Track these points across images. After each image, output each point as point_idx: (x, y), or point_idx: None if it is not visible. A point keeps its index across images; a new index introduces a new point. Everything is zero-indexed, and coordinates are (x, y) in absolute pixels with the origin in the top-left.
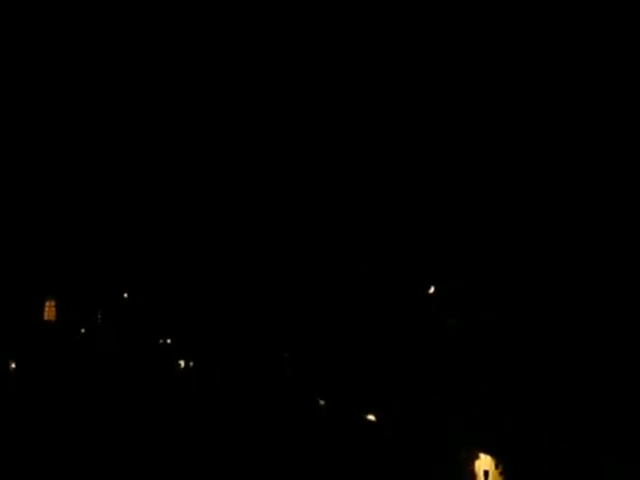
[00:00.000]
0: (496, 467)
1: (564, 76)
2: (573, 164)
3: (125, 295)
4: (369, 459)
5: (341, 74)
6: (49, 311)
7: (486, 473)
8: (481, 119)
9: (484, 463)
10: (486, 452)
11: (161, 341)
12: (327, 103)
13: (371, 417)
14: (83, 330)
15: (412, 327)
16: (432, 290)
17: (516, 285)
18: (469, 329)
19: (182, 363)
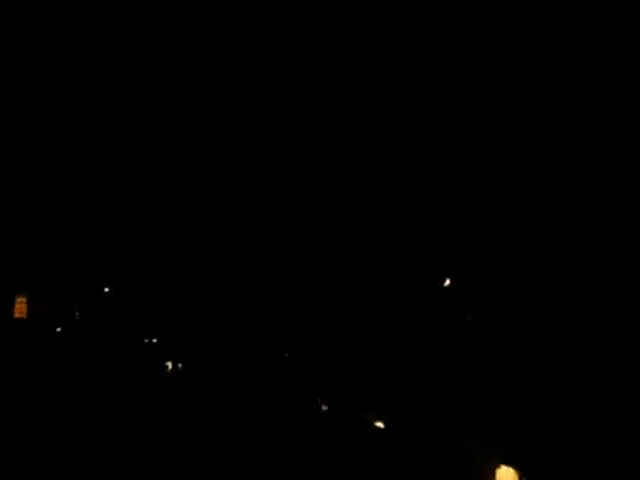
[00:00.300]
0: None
1: (564, 76)
2: (586, 158)
3: (106, 290)
4: (376, 469)
5: (341, 74)
6: (19, 308)
7: None
8: (486, 116)
9: (505, 476)
10: (508, 464)
11: (146, 340)
12: (327, 103)
13: (379, 424)
14: (59, 329)
15: (421, 324)
16: (447, 283)
17: (543, 274)
18: (490, 325)
19: (170, 365)
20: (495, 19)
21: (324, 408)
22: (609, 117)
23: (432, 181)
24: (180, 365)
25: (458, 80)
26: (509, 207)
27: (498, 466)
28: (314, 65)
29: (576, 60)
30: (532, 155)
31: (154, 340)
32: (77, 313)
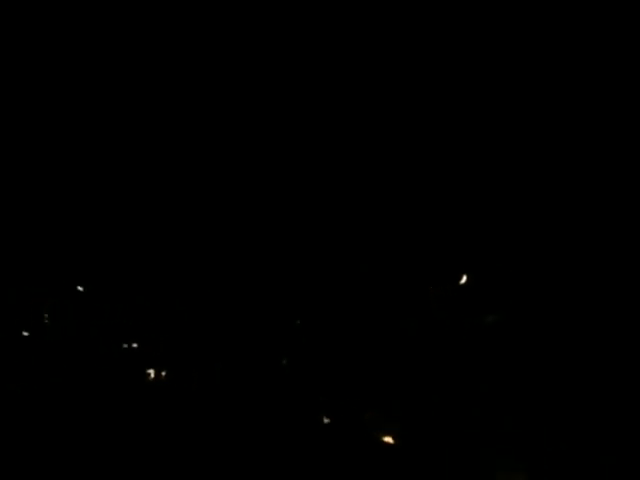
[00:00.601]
0: None
1: (564, 76)
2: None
3: (80, 288)
4: None
5: (341, 74)
6: None
7: None
8: (491, 112)
9: None
10: None
11: (125, 345)
12: (327, 103)
13: (388, 439)
14: (26, 333)
15: (435, 325)
16: (464, 280)
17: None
18: (514, 327)
19: (152, 373)
20: (495, 19)
21: (328, 425)
22: (616, 116)
23: (433, 178)
24: (164, 373)
25: (458, 80)
26: (513, 203)
27: None
28: (314, 65)
29: (576, 60)
30: (546, 149)
31: (134, 345)
32: (46, 315)
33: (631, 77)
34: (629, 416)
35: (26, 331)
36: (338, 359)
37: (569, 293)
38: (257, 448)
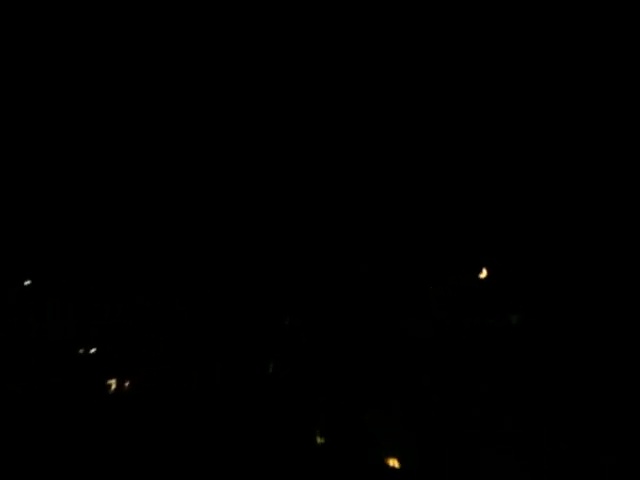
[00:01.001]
0: None
1: (564, 76)
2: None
3: (26, 282)
4: None
5: (341, 74)
6: None
7: None
8: (497, 109)
9: None
10: None
11: (81, 351)
12: (327, 103)
13: (394, 463)
14: (26, 333)
15: (435, 325)
16: (484, 275)
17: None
18: (514, 327)
19: (113, 384)
20: (495, 19)
21: (319, 441)
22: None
23: (434, 179)
24: (128, 384)
25: (458, 80)
26: (514, 201)
27: None
28: (314, 65)
29: (576, 60)
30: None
31: (92, 350)
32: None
33: (630, 77)
34: (629, 416)
35: (26, 331)
36: (338, 359)
37: (567, 294)
38: (257, 448)
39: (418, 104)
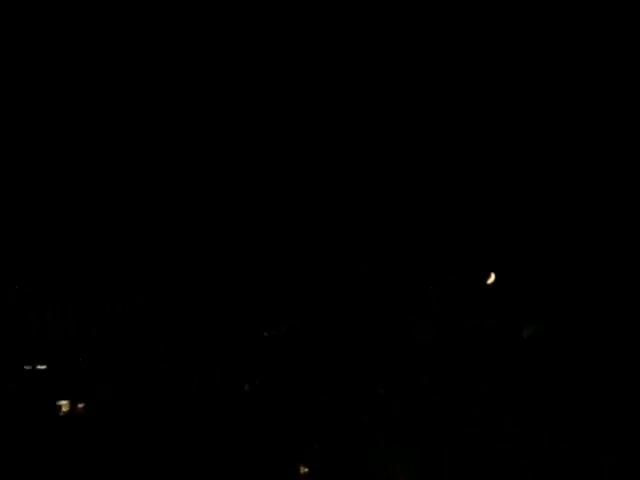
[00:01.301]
0: None
1: (564, 76)
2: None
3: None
4: None
5: (341, 75)
6: None
7: None
8: (498, 108)
9: None
10: None
11: (29, 367)
12: (327, 104)
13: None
14: (27, 333)
15: (435, 325)
16: (492, 279)
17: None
18: (514, 328)
19: (65, 405)
20: (495, 19)
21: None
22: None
23: (434, 179)
24: (82, 405)
25: (458, 80)
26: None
27: None
28: (314, 65)
29: (576, 60)
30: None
31: (41, 367)
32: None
33: (630, 77)
34: (629, 416)
35: (26, 331)
36: (338, 359)
37: (567, 293)
38: (257, 448)
39: (419, 104)
